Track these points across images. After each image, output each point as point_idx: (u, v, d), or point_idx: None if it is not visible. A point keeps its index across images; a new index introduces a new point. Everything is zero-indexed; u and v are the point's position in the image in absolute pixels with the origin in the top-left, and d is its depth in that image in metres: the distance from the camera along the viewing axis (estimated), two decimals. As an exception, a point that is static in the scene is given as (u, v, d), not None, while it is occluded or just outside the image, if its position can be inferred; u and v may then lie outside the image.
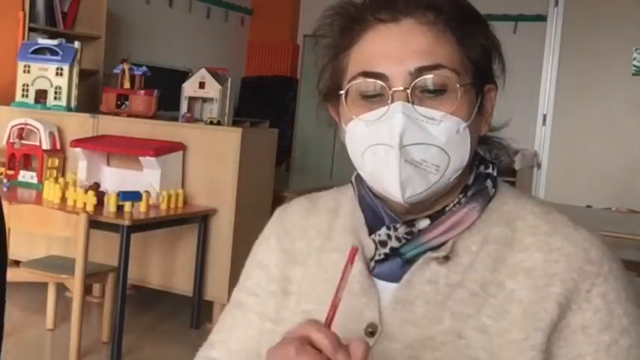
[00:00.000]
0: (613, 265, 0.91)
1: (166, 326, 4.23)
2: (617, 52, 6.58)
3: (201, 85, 4.57)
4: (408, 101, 0.89)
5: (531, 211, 0.95)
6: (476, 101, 0.93)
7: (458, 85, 0.90)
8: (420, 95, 0.90)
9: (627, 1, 6.56)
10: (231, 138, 4.21)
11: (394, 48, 0.91)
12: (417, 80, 0.89)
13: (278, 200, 4.59)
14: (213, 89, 4.56)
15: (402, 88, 0.89)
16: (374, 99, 0.91)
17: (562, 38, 6.87)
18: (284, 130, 7.08)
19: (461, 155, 0.91)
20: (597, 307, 0.88)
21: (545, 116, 6.98)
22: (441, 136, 0.89)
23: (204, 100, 4.62)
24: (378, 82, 0.90)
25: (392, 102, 0.89)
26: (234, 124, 4.94)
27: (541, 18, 6.99)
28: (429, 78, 0.89)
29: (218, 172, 4.21)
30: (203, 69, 4.64)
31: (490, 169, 0.98)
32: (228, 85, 4.63)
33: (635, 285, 0.95)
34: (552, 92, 6.95)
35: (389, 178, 0.89)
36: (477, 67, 0.93)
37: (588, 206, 5.22)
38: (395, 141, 0.87)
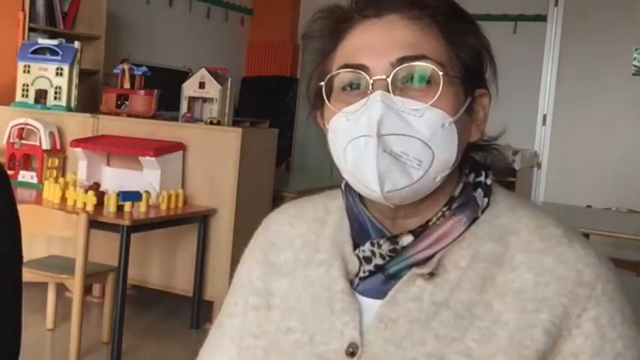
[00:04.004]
0: (607, 286, 0.87)
1: (166, 326, 4.23)
2: (617, 52, 6.58)
3: (201, 85, 4.57)
4: (389, 91, 0.86)
5: (526, 225, 0.90)
6: (464, 100, 0.90)
7: (441, 74, 0.86)
8: (401, 86, 0.87)
9: (627, 1, 6.56)
10: (231, 138, 4.21)
11: (377, 40, 0.89)
12: (398, 69, 0.86)
13: (278, 200, 4.59)
14: (213, 89, 4.56)
15: (383, 77, 0.86)
16: (355, 92, 0.89)
17: (562, 38, 6.87)
18: (284, 130, 7.08)
19: (447, 153, 0.87)
20: (588, 332, 0.84)
21: (545, 116, 6.98)
22: (424, 129, 0.85)
23: (204, 100, 4.62)
24: (359, 72, 0.88)
25: (372, 92, 0.86)
26: (234, 124, 4.94)
27: (541, 18, 6.99)
28: (410, 66, 0.87)
29: (218, 172, 4.21)
30: (203, 69, 4.64)
31: (482, 177, 0.94)
32: (228, 85, 4.63)
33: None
34: (552, 92, 6.95)
35: (367, 170, 0.85)
36: (466, 68, 0.90)
37: (588, 206, 5.22)
38: (373, 130, 0.84)
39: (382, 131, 0.85)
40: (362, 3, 0.92)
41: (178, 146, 4.25)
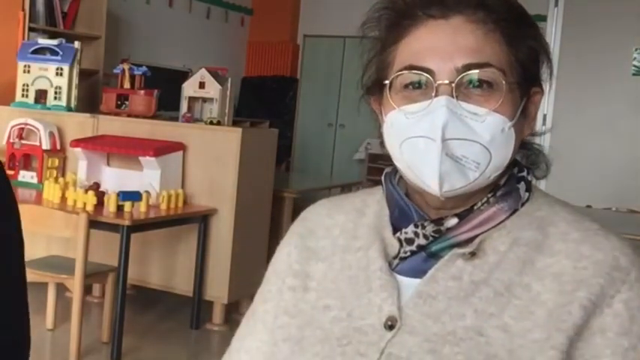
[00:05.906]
0: None
1: (166, 326, 4.23)
2: (617, 52, 6.58)
3: (201, 85, 4.57)
4: (453, 96, 0.89)
5: (564, 219, 0.95)
6: (520, 102, 0.93)
7: (504, 82, 0.90)
8: (465, 92, 0.90)
9: (627, 1, 6.56)
10: (231, 138, 4.21)
11: (442, 44, 0.91)
12: (462, 75, 0.89)
13: (278, 200, 4.58)
14: (213, 89, 4.56)
15: (447, 82, 0.89)
16: (417, 91, 0.92)
17: (562, 38, 6.86)
18: (284, 130, 7.08)
19: (503, 155, 0.92)
20: (618, 312, 0.88)
21: (545, 116, 6.98)
22: (485, 134, 0.89)
23: (204, 100, 4.62)
24: (424, 74, 0.90)
25: (436, 95, 0.89)
26: (234, 124, 4.95)
27: (541, 18, 6.98)
28: (475, 73, 0.89)
29: (218, 172, 4.21)
30: (203, 69, 4.64)
31: (525, 173, 0.98)
32: (228, 85, 4.63)
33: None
34: (552, 92, 6.95)
35: (428, 171, 0.89)
36: (523, 69, 0.93)
37: (588, 206, 5.21)
38: (437, 134, 0.88)
39: (446, 135, 0.88)
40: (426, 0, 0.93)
41: (178, 146, 4.25)
